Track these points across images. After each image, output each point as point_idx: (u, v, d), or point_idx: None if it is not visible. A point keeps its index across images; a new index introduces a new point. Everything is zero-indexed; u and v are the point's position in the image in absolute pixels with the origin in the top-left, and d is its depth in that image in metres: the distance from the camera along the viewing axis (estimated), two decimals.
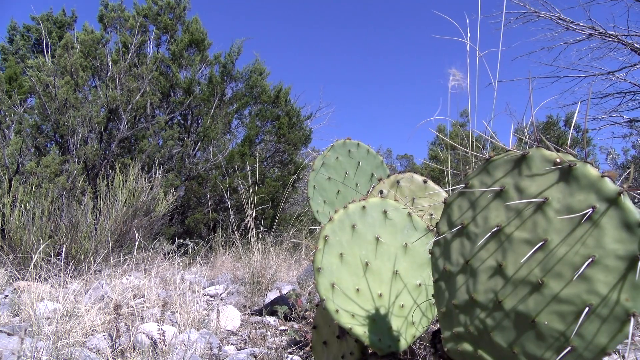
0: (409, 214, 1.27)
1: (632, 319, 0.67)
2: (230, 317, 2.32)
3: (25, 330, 1.43)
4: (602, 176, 0.70)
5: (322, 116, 7.60)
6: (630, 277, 0.67)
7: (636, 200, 0.75)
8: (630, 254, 0.67)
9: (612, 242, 0.68)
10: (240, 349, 1.98)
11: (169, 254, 3.71)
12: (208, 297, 2.91)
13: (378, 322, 1.19)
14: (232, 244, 4.15)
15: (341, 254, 1.19)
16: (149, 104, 5.68)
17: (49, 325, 1.81)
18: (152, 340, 1.76)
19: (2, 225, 3.30)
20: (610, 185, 0.70)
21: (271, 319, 2.43)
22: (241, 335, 2.21)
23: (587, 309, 0.70)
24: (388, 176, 1.72)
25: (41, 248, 2.74)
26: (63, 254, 2.60)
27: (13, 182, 3.86)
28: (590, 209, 0.70)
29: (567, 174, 0.74)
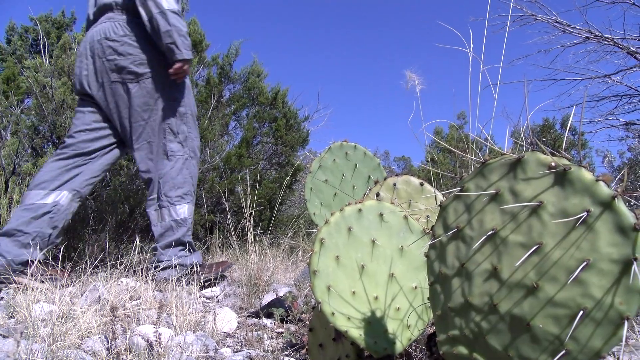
0: (405, 217, 1.28)
1: (626, 323, 0.67)
2: (227, 319, 2.31)
3: (22, 332, 1.42)
4: (597, 180, 0.71)
5: (319, 118, 7.58)
6: (624, 280, 0.67)
7: (633, 204, 0.76)
8: (624, 258, 0.67)
9: (606, 246, 0.69)
10: (236, 352, 1.98)
11: None
12: (204, 299, 2.90)
13: (374, 324, 1.19)
14: (229, 246, 4.14)
15: (337, 256, 1.19)
16: None
17: (44, 328, 1.81)
18: (148, 342, 1.76)
19: None
20: (604, 189, 0.70)
21: (268, 321, 2.42)
22: (237, 338, 2.20)
23: (581, 312, 0.70)
24: (385, 178, 1.72)
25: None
26: (60, 255, 2.60)
27: (10, 184, 3.85)
28: (585, 213, 0.70)
29: (561, 178, 0.74)
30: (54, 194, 2.43)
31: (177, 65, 2.33)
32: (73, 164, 2.52)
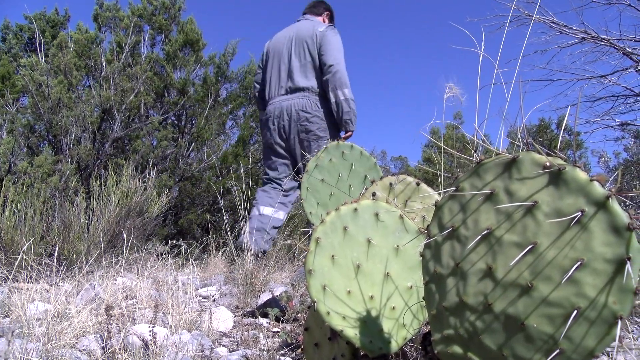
0: (401, 217, 1.28)
1: (620, 322, 0.67)
2: (223, 319, 2.31)
3: (14, 332, 1.42)
4: (591, 180, 0.71)
5: None
6: (618, 280, 0.67)
7: (628, 204, 0.76)
8: (618, 257, 0.67)
9: (600, 246, 0.69)
10: (232, 351, 1.98)
11: (162, 254, 3.70)
12: (201, 298, 2.90)
13: (369, 324, 1.19)
14: (226, 245, 4.14)
15: (333, 256, 1.19)
16: (142, 104, 5.66)
17: (39, 327, 1.80)
18: (143, 341, 1.75)
19: None
20: (598, 189, 0.70)
21: (264, 321, 2.42)
22: (233, 337, 2.20)
23: (575, 312, 0.70)
24: (381, 178, 1.72)
25: (29, 247, 2.72)
26: (55, 254, 2.59)
27: (5, 182, 3.84)
28: (579, 213, 0.71)
29: (556, 178, 0.74)
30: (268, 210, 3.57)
31: (349, 133, 3.39)
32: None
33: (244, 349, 1.98)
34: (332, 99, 3.23)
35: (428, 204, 1.62)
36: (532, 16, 5.16)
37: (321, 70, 3.29)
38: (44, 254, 3.10)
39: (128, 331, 1.83)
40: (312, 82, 3.31)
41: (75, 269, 2.87)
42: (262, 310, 2.49)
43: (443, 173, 1.38)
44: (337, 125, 3.44)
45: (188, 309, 2.20)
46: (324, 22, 3.55)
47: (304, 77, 3.31)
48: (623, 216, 0.68)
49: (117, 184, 4.08)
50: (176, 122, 6.41)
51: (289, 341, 2.03)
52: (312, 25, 3.38)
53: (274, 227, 3.63)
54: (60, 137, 4.88)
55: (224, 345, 2.06)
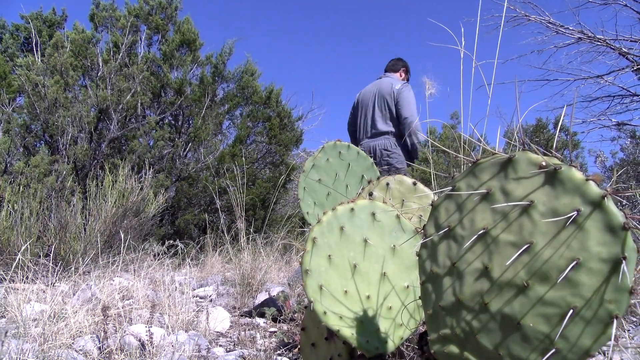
0: (398, 216, 1.28)
1: (615, 321, 0.67)
2: (220, 319, 2.31)
3: (7, 332, 1.41)
4: (587, 179, 0.71)
5: (313, 117, 7.60)
6: (613, 279, 0.67)
7: (625, 203, 0.76)
8: (614, 257, 0.67)
9: (596, 245, 0.69)
10: (229, 351, 1.97)
11: (158, 255, 3.69)
12: (197, 298, 2.90)
13: (366, 324, 1.19)
14: (223, 245, 4.13)
15: (329, 255, 1.19)
16: (139, 104, 5.64)
17: (35, 327, 1.79)
18: (140, 341, 1.75)
19: None
20: (594, 189, 0.70)
21: (261, 321, 2.42)
22: (230, 337, 2.20)
23: (571, 311, 0.70)
24: (378, 178, 1.72)
25: (25, 247, 2.71)
26: (52, 254, 2.58)
27: (1, 182, 3.82)
28: (575, 212, 0.71)
29: (552, 177, 0.74)
30: None
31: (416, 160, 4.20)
32: None
33: (241, 349, 1.98)
34: (409, 142, 4.10)
35: (424, 203, 1.62)
36: (529, 17, 5.17)
37: (398, 119, 4.10)
38: (40, 254, 3.09)
39: (125, 331, 1.82)
40: (390, 128, 4.12)
41: (72, 269, 2.86)
42: (259, 310, 2.49)
43: (440, 173, 1.38)
44: (410, 154, 4.29)
45: (185, 309, 2.19)
46: (401, 76, 4.33)
47: (384, 124, 4.13)
48: (619, 215, 0.68)
49: (113, 184, 4.07)
50: (173, 122, 6.40)
51: (286, 341, 2.02)
52: (390, 83, 4.14)
53: None
54: (56, 137, 4.87)
55: (220, 345, 2.06)
